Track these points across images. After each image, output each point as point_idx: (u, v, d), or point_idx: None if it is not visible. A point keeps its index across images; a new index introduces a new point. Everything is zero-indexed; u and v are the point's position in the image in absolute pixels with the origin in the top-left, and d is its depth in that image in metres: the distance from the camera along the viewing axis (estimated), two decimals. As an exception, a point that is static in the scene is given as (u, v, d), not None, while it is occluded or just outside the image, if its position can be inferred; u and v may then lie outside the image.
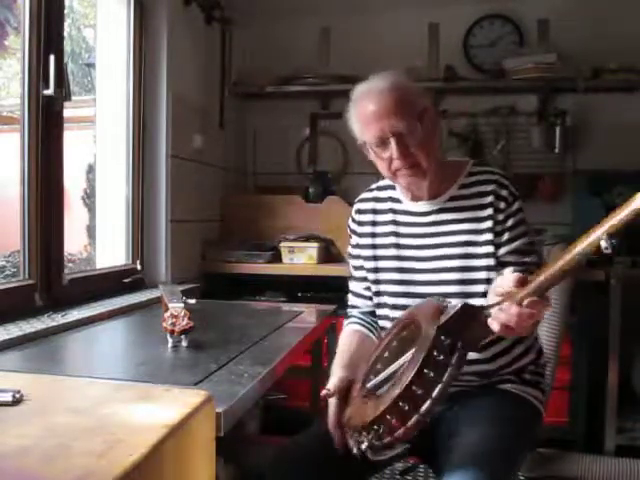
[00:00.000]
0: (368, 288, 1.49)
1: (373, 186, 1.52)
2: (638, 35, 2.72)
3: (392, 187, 1.47)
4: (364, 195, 1.52)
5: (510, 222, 1.33)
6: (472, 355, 1.33)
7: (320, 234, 2.70)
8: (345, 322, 1.53)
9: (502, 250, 1.32)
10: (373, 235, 1.46)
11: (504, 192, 1.33)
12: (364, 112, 1.31)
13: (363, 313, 1.51)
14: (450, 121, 2.90)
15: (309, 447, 1.31)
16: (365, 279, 1.48)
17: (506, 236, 1.32)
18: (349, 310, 1.54)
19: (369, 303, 1.50)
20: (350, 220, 1.53)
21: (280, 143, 3.16)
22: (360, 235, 1.49)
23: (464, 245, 1.34)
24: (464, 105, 2.92)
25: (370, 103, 1.29)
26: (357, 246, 1.50)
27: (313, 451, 1.29)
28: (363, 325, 1.49)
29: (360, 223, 1.49)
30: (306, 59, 3.02)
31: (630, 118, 2.76)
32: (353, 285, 1.54)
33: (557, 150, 2.82)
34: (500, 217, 1.32)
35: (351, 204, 2.83)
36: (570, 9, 2.80)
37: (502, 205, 1.33)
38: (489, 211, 1.33)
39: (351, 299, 1.54)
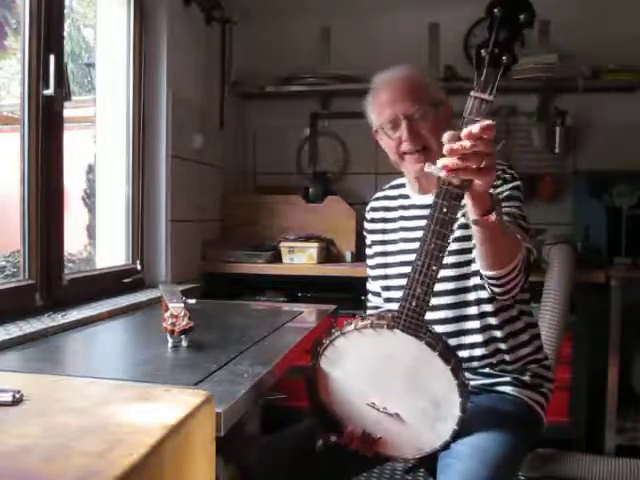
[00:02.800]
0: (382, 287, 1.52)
1: (386, 186, 1.56)
2: (638, 35, 2.72)
3: (403, 185, 1.51)
4: (377, 194, 1.57)
5: (505, 194, 1.31)
6: (465, 354, 1.34)
7: (320, 234, 2.71)
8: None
9: None
10: (384, 231, 1.50)
11: (503, 174, 1.33)
12: (380, 98, 1.36)
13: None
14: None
15: (295, 441, 1.33)
16: (379, 278, 1.52)
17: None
18: (369, 311, 1.53)
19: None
20: (365, 221, 1.57)
21: (280, 143, 3.16)
22: (371, 232, 1.54)
23: (459, 240, 1.34)
24: (464, 105, 2.91)
25: (386, 90, 1.36)
26: (371, 245, 1.54)
27: (299, 446, 1.31)
28: None
29: (372, 220, 1.54)
30: (306, 59, 3.02)
31: (630, 118, 2.77)
32: (371, 285, 1.57)
33: (557, 150, 2.83)
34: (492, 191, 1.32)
35: (351, 204, 2.88)
36: (570, 9, 2.80)
37: (497, 182, 1.31)
38: None
39: (370, 299, 1.58)
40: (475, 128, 0.94)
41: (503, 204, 1.27)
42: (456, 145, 0.95)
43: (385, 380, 1.20)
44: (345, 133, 3.09)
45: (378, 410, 1.22)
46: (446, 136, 0.96)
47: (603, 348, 2.34)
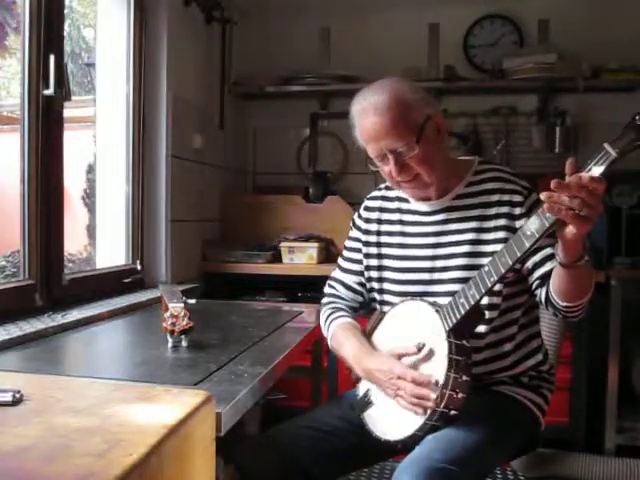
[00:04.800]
0: (361, 284, 1.49)
1: (382, 185, 1.52)
2: (638, 35, 2.72)
3: None
4: (373, 193, 1.53)
5: (531, 208, 1.30)
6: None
7: (320, 234, 2.71)
8: (328, 310, 1.49)
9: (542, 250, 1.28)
10: (378, 233, 1.46)
11: (517, 187, 1.33)
12: (364, 129, 1.30)
13: (350, 307, 1.50)
14: (450, 121, 2.90)
15: (294, 439, 1.33)
16: (360, 273, 1.49)
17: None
18: (332, 299, 1.52)
19: (359, 299, 1.51)
20: (356, 215, 1.53)
21: (280, 143, 3.16)
22: (365, 232, 1.49)
23: (470, 243, 1.33)
24: (464, 105, 2.92)
25: (369, 120, 1.28)
26: (358, 241, 1.50)
27: (298, 443, 1.32)
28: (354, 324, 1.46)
29: (367, 220, 1.49)
30: (306, 59, 3.02)
31: (630, 118, 2.76)
32: (343, 276, 1.52)
33: (557, 150, 2.82)
34: (517, 211, 1.30)
35: (351, 204, 2.88)
36: (570, 9, 2.81)
37: (518, 198, 1.31)
38: (497, 209, 1.32)
39: (338, 288, 1.53)
40: (585, 177, 0.98)
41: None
42: (561, 184, 0.97)
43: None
44: (345, 133, 3.05)
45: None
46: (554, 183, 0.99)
47: (603, 348, 2.34)
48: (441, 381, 1.16)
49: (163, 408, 0.84)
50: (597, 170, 1.00)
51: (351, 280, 1.51)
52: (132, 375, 1.15)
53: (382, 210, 1.48)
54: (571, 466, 2.25)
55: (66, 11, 1.78)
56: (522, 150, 2.91)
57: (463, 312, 1.18)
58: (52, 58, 1.64)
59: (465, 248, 1.33)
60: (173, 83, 2.32)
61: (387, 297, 1.43)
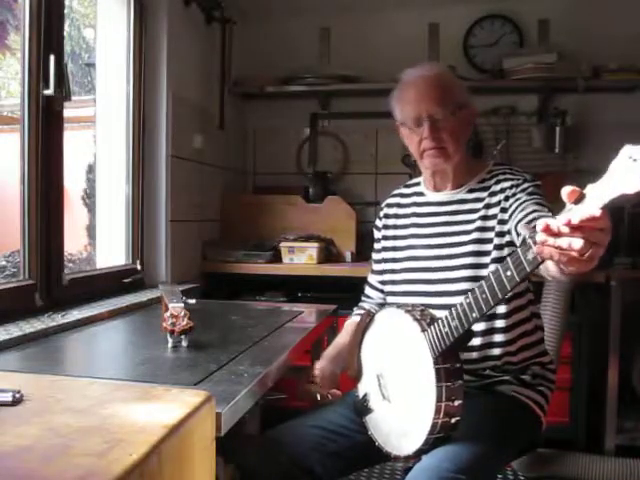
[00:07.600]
0: (382, 281, 1.58)
1: (402, 185, 1.62)
2: (638, 35, 2.72)
3: (418, 184, 1.56)
4: (393, 192, 1.63)
5: (524, 188, 1.33)
6: (469, 355, 1.34)
7: (320, 234, 2.71)
8: (355, 309, 1.63)
9: (524, 211, 1.27)
10: (395, 227, 1.55)
11: (513, 177, 1.39)
12: (408, 92, 1.42)
13: (378, 305, 1.59)
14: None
15: (294, 438, 1.34)
16: (382, 272, 1.57)
17: (522, 199, 1.31)
18: (362, 299, 1.65)
19: (382, 295, 1.59)
20: (377, 217, 1.62)
21: (280, 143, 3.16)
22: (384, 227, 1.58)
23: (478, 230, 1.38)
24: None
25: (415, 86, 1.41)
26: (378, 241, 1.59)
27: (299, 443, 1.33)
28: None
29: (386, 216, 1.59)
30: (306, 59, 3.02)
31: (630, 118, 2.76)
32: (370, 277, 1.63)
33: (557, 150, 2.82)
34: (510, 192, 1.36)
35: (351, 204, 2.88)
36: (570, 9, 2.81)
37: (516, 182, 1.37)
38: (498, 197, 1.38)
39: (366, 289, 1.64)
40: (575, 218, 0.79)
41: (525, 197, 1.31)
42: (550, 240, 0.83)
43: (393, 364, 1.29)
44: (345, 133, 3.09)
45: (379, 384, 1.33)
46: (540, 224, 0.84)
47: (603, 348, 2.34)
48: (433, 410, 1.13)
49: (163, 408, 0.84)
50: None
51: (374, 280, 1.61)
52: (132, 375, 1.15)
53: (399, 206, 1.57)
54: (571, 466, 2.25)
55: (66, 11, 1.78)
56: (522, 150, 2.91)
57: (448, 343, 1.15)
58: (52, 58, 1.63)
59: (473, 235, 1.38)
60: (173, 83, 2.32)
61: (397, 287, 1.49)
